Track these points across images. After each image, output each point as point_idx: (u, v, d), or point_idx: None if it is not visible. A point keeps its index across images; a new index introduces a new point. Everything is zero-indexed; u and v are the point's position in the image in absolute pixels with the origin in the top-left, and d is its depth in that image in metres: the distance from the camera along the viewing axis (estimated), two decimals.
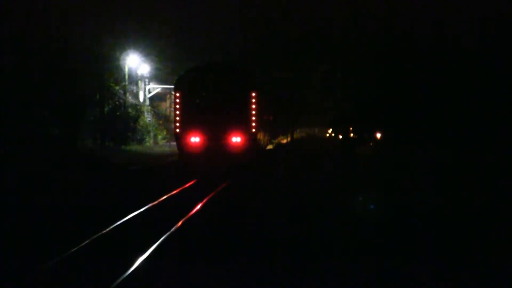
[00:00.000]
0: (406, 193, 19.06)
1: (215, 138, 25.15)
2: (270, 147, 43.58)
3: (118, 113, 45.03)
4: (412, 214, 15.59)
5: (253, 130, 25.44)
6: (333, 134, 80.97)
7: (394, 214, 15.55)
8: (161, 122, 56.73)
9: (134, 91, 54.55)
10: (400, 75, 35.19)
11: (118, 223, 14.24)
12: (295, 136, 66.58)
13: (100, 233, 12.95)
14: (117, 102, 45.20)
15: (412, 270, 10.27)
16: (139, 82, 55.89)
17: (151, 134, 52.05)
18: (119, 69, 45.33)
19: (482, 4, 34.34)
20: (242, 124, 25.30)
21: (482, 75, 31.68)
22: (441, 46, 34.46)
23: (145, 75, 55.17)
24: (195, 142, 25.21)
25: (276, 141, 54.13)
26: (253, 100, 25.50)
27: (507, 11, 32.57)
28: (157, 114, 56.95)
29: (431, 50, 34.42)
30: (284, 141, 61.06)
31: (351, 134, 46.07)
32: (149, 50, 48.59)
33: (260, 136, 28.79)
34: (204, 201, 18.20)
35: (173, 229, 13.55)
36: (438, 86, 33.03)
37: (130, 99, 49.55)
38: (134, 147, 45.25)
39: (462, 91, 32.09)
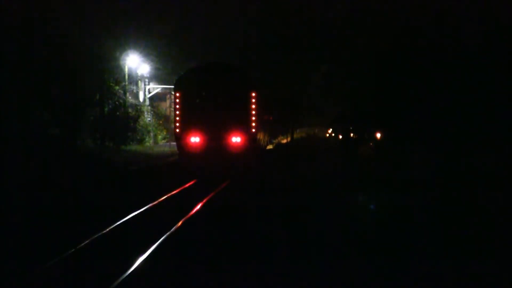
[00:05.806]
0: (405, 193, 19.04)
1: (215, 138, 25.12)
2: (270, 147, 43.62)
3: (118, 113, 44.98)
4: (411, 213, 15.58)
5: (253, 130, 25.41)
6: (333, 134, 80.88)
7: (394, 214, 15.54)
8: (161, 122, 56.67)
9: (134, 91, 54.53)
10: (399, 74, 35.16)
11: (118, 223, 14.23)
12: (295, 136, 66.53)
13: (99, 233, 12.94)
14: (117, 102, 45.13)
15: (411, 268, 10.27)
16: (139, 82, 55.89)
17: (151, 134, 52.01)
18: (119, 69, 45.29)
19: (482, 3, 34.34)
20: (242, 124, 25.26)
21: (482, 74, 31.65)
22: (440, 45, 34.45)
23: (145, 75, 55.15)
24: (195, 142, 25.18)
25: (276, 141, 54.18)
26: (253, 100, 25.47)
27: (508, 10, 32.54)
28: (157, 114, 56.90)
29: (430, 50, 34.41)
30: (284, 141, 61.03)
31: (351, 134, 46.00)
32: (149, 50, 48.56)
33: (260, 136, 28.77)
34: (204, 201, 18.19)
35: (173, 229, 13.55)
36: (437, 85, 33.01)
37: (130, 99, 49.52)
38: (134, 147, 45.22)
39: (461, 90, 32.07)
